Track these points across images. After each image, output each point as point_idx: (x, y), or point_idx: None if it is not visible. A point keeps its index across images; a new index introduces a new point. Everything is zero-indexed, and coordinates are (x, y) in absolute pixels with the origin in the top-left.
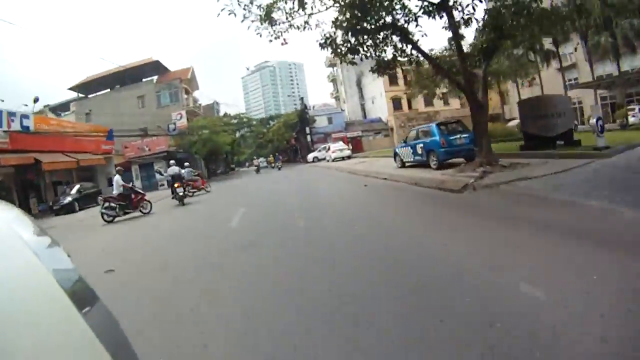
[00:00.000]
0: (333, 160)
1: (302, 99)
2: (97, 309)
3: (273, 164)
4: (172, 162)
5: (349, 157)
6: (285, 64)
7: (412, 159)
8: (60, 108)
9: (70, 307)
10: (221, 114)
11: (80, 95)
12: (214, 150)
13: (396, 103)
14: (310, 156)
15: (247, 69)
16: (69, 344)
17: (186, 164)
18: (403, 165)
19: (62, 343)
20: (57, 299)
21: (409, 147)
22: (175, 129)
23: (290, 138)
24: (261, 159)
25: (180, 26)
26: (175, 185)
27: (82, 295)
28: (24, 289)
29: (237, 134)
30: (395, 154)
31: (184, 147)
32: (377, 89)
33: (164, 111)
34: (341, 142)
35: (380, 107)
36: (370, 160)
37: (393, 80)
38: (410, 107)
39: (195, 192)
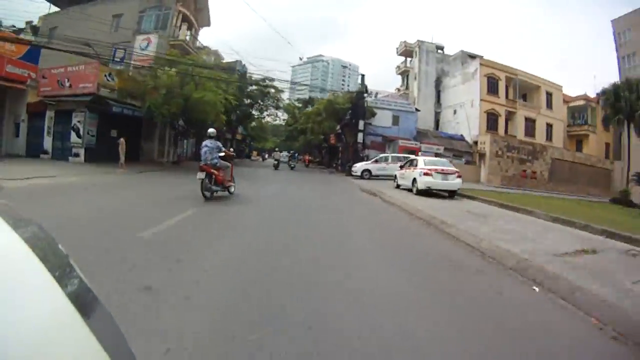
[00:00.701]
0: (418, 192)
1: (362, 76)
2: (98, 310)
3: (290, 162)
4: (211, 131)
5: (454, 193)
6: (339, 62)
7: None
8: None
9: (70, 309)
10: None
11: (54, 8)
12: (191, 114)
13: (492, 120)
14: (358, 167)
15: (300, 58)
16: (68, 346)
17: (211, 130)
18: None
19: (62, 345)
20: (56, 300)
21: None
22: (123, 58)
23: (330, 132)
24: (284, 153)
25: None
26: None
27: (82, 296)
28: (21, 289)
29: (255, 110)
30: None
31: (134, 94)
32: (466, 95)
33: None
34: (435, 156)
35: (464, 121)
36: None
37: (492, 87)
38: (506, 130)
39: (218, 190)
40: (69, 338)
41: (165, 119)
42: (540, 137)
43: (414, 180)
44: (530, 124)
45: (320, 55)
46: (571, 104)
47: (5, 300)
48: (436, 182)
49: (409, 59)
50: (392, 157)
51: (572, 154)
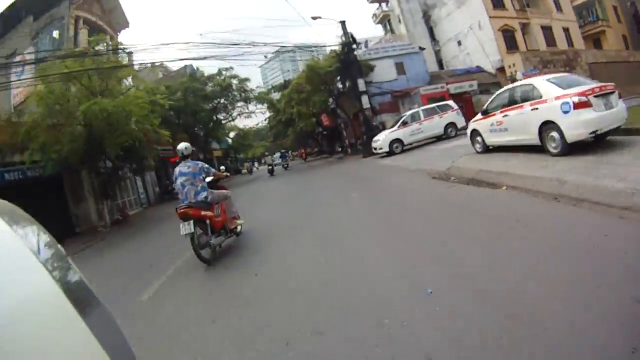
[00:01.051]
0: (565, 149)
1: (343, 23)
2: (97, 310)
3: (282, 163)
4: (183, 147)
5: (606, 135)
6: (306, 47)
7: None
8: None
9: (70, 309)
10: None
11: None
12: (106, 142)
13: (508, 37)
14: (382, 139)
15: (265, 56)
16: (69, 346)
17: (182, 146)
18: None
19: (63, 346)
20: (56, 300)
21: None
22: None
23: (323, 109)
24: (276, 155)
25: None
26: None
27: (82, 297)
28: (22, 290)
29: (221, 113)
30: None
31: (19, 145)
32: (467, 20)
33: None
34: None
35: (476, 49)
36: None
37: (497, 1)
38: (526, 46)
39: (223, 240)
40: (66, 337)
41: (68, 165)
42: (561, 45)
43: (546, 125)
44: (547, 32)
45: (284, 47)
46: (575, 3)
47: (4, 301)
48: (603, 115)
49: (383, 4)
50: (423, 111)
51: (604, 54)
